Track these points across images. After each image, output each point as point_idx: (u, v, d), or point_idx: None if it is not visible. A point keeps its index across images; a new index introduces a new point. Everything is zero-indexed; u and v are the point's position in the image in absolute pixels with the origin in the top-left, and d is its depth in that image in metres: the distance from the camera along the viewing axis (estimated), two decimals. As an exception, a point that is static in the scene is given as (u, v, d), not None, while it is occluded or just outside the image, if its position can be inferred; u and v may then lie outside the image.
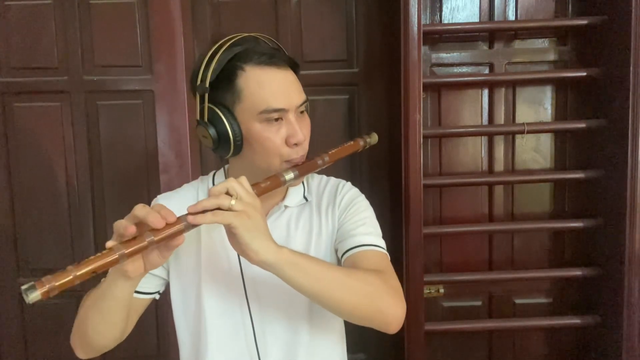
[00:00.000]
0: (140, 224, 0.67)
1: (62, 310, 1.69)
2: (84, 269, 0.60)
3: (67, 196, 1.66)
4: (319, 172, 1.01)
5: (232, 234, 0.71)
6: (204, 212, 0.69)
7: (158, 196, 0.97)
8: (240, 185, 0.72)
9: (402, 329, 1.52)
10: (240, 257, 0.89)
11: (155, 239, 0.66)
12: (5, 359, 1.71)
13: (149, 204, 0.74)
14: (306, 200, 0.94)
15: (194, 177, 1.57)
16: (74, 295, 1.69)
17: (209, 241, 0.91)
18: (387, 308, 0.79)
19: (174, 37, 1.52)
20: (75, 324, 0.84)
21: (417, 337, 1.52)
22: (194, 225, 0.69)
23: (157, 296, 0.94)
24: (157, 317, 1.67)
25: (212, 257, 0.90)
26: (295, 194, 0.94)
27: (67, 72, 1.61)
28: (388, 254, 0.91)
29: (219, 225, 0.90)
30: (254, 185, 0.76)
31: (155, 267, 0.74)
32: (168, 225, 0.67)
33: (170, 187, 1.53)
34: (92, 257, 0.62)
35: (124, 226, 0.65)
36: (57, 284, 0.58)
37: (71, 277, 0.59)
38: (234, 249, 0.73)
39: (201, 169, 1.68)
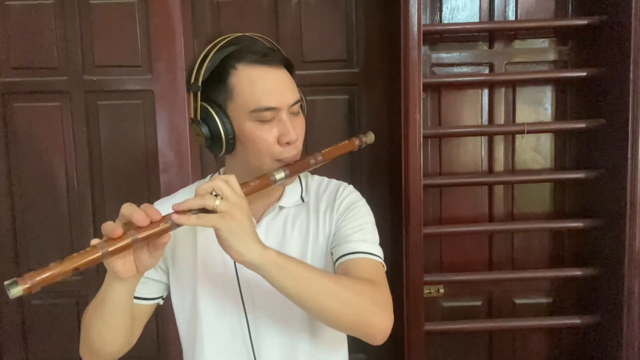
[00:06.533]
0: (129, 225, 0.67)
1: (62, 310, 1.69)
2: (67, 266, 0.60)
3: (67, 196, 1.66)
4: (318, 172, 1.00)
5: (218, 235, 0.71)
6: (189, 212, 0.69)
7: (155, 202, 0.96)
8: (227, 185, 0.71)
9: (402, 329, 1.54)
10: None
11: (139, 237, 0.66)
12: (5, 359, 1.71)
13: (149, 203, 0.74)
14: (303, 201, 0.92)
15: (194, 177, 1.58)
16: (74, 295, 1.70)
17: (205, 244, 0.90)
18: (374, 320, 0.78)
19: (174, 37, 1.53)
20: (81, 335, 0.84)
21: (417, 337, 1.52)
22: (179, 225, 0.69)
23: (160, 301, 0.93)
24: (157, 318, 1.67)
25: (208, 261, 0.89)
26: (292, 194, 0.92)
27: (67, 72, 1.61)
28: (384, 263, 0.88)
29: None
30: (242, 184, 0.74)
31: (148, 268, 0.73)
32: (153, 223, 0.67)
33: (170, 187, 1.56)
34: (75, 254, 0.62)
35: (112, 228, 0.65)
36: (39, 279, 0.58)
37: (53, 272, 0.59)
38: (222, 248, 0.72)
39: (201, 169, 1.68)
